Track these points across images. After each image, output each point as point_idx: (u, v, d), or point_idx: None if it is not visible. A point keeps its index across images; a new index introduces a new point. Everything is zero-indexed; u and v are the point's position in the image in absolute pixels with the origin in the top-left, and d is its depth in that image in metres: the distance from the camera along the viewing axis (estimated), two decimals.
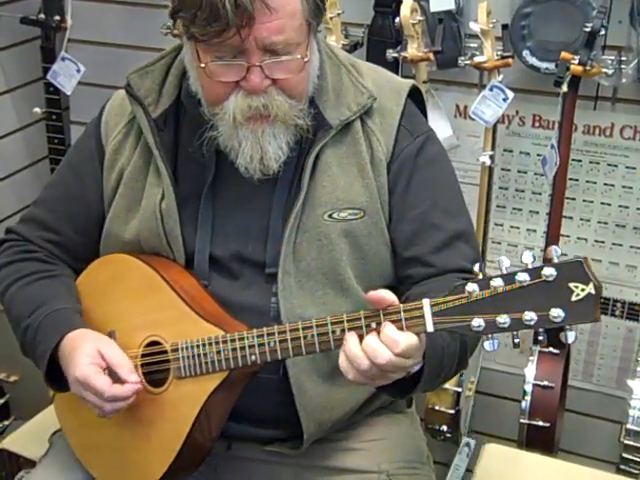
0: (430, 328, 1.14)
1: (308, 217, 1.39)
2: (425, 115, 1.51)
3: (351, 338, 1.18)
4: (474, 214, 1.67)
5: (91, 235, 1.51)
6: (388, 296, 1.17)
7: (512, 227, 2.26)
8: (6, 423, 2.34)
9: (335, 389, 1.41)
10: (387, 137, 1.40)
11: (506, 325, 1.08)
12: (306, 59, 1.30)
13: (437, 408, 2.07)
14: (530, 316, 1.07)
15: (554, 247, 1.05)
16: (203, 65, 1.29)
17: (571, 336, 1.08)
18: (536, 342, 1.11)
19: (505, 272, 1.09)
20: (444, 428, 2.09)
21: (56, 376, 1.40)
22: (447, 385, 2.02)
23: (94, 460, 1.48)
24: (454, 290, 1.12)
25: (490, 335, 1.11)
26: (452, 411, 2.07)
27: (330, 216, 1.39)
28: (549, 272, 1.06)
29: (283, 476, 1.48)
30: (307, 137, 1.37)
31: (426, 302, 1.14)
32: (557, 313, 1.06)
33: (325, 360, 1.39)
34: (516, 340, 1.08)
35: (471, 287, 1.10)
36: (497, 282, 1.08)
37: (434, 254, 1.40)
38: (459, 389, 2.05)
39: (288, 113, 1.32)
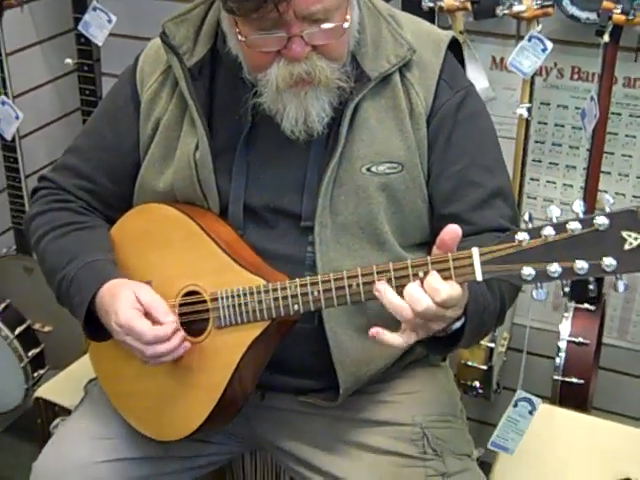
0: (479, 277, 1.13)
1: (345, 170, 1.38)
2: (464, 68, 1.49)
3: (386, 290, 1.17)
4: (510, 168, 1.64)
5: (125, 184, 1.51)
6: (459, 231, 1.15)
7: (548, 182, 2.23)
8: (41, 372, 2.37)
9: (371, 344, 1.35)
10: (427, 91, 1.39)
11: (557, 274, 1.08)
12: (346, 25, 1.29)
13: (470, 364, 2.07)
14: (581, 265, 1.06)
15: (606, 196, 1.04)
16: (243, 39, 1.29)
17: (622, 286, 1.07)
18: (571, 297, 1.10)
19: (555, 221, 1.08)
20: (476, 384, 2.09)
21: (94, 326, 1.41)
22: (480, 341, 2.01)
23: (130, 408, 1.50)
24: (504, 239, 1.11)
25: (539, 284, 1.11)
26: (485, 367, 2.06)
27: (368, 169, 1.38)
28: (602, 221, 1.05)
29: (316, 427, 1.50)
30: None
31: (475, 251, 1.13)
32: (609, 262, 1.05)
33: (360, 314, 1.39)
34: (566, 289, 1.07)
35: (521, 236, 1.09)
36: (548, 231, 1.08)
37: (473, 211, 1.39)
38: (492, 345, 2.04)
39: (330, 77, 1.32)
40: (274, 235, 1.42)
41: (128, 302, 1.34)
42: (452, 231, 1.15)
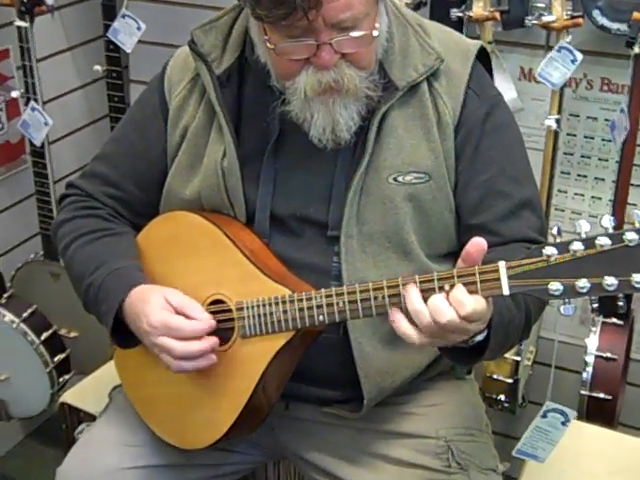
0: (506, 291, 1.12)
1: (372, 180, 1.37)
2: (492, 78, 1.49)
3: (412, 292, 1.17)
4: (537, 180, 1.63)
5: (152, 191, 1.51)
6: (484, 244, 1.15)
7: (576, 194, 2.21)
8: (66, 377, 2.37)
9: (396, 355, 1.41)
10: (454, 100, 1.38)
11: (585, 290, 1.07)
12: (375, 33, 1.29)
13: (495, 377, 2.05)
14: (611, 281, 1.05)
15: (636, 211, 1.03)
16: (271, 46, 1.29)
17: None
18: (599, 312, 1.09)
19: (584, 236, 1.07)
20: (501, 397, 2.07)
21: (121, 333, 1.41)
22: (506, 354, 1.99)
23: (154, 415, 1.50)
24: (531, 253, 1.10)
25: (567, 300, 1.09)
26: (510, 380, 2.05)
27: (395, 179, 1.38)
28: (631, 237, 1.04)
29: (340, 438, 1.49)
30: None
31: (502, 265, 1.12)
32: (639, 279, 1.04)
33: (386, 325, 1.34)
34: (594, 305, 1.06)
35: (549, 250, 1.08)
36: (577, 246, 1.07)
37: (500, 222, 1.38)
38: (518, 358, 2.03)
39: (358, 85, 1.31)
40: (300, 244, 1.42)
41: (159, 304, 1.34)
42: (477, 244, 1.14)
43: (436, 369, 1.51)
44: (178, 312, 1.34)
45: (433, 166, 1.38)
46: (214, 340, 1.34)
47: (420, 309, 1.16)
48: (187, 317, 1.33)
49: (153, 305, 1.34)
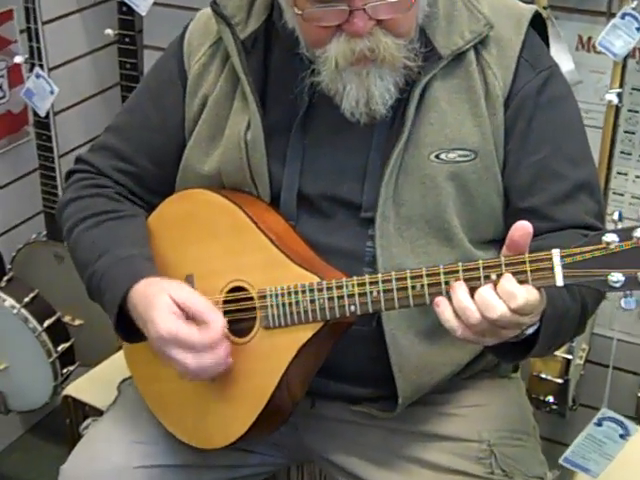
0: (560, 282, 1.12)
1: (412, 157, 1.37)
2: (547, 47, 1.48)
3: (459, 288, 1.17)
4: (595, 160, 1.62)
5: (168, 167, 1.52)
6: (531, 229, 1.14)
7: (638, 177, 2.20)
8: (71, 369, 2.39)
9: (435, 350, 1.41)
10: (505, 71, 1.38)
11: None
12: None
13: (543, 376, 2.04)
14: None
15: None
16: (299, 12, 1.29)
17: None
18: None
19: None
20: (550, 399, 2.06)
21: (127, 325, 1.42)
22: (556, 351, 1.99)
23: (168, 412, 1.51)
24: (588, 241, 1.10)
25: (629, 292, 1.08)
26: (560, 380, 2.04)
27: (437, 157, 1.37)
28: None
29: (371, 439, 1.49)
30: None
31: (556, 252, 1.12)
32: None
33: (423, 317, 1.39)
34: None
35: (610, 237, 1.08)
36: None
37: (554, 206, 1.38)
38: (569, 356, 2.02)
39: (396, 55, 1.31)
40: (330, 227, 1.42)
41: (165, 308, 1.33)
42: (522, 228, 1.14)
43: (478, 366, 1.51)
44: (184, 310, 1.33)
45: (480, 143, 1.37)
46: (227, 346, 1.34)
47: (467, 305, 1.15)
48: (195, 318, 1.33)
49: (159, 309, 1.33)
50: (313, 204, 1.43)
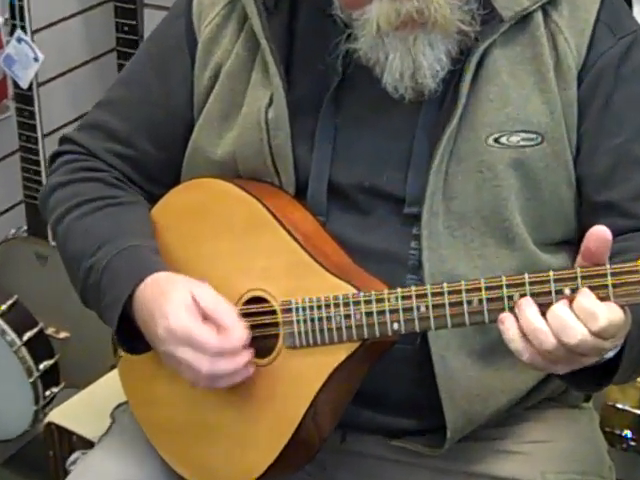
0: None
1: (466, 141, 1.37)
2: (630, 6, 1.49)
3: (528, 306, 1.16)
4: None
5: (173, 150, 1.53)
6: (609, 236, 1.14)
7: None
8: (55, 391, 2.40)
9: (491, 374, 1.41)
10: (579, 36, 1.37)
11: None
12: None
13: (620, 406, 2.04)
14: None
15: None
16: None
17: None
18: None
19: None
20: (627, 433, 2.06)
21: (129, 333, 1.42)
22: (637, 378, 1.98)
23: (171, 445, 1.51)
24: None
25: None
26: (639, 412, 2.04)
27: (497, 140, 1.37)
28: None
29: None
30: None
31: None
32: None
33: (478, 333, 1.39)
34: None
35: None
36: None
37: (637, 201, 1.38)
38: None
39: (449, 18, 1.31)
40: (367, 224, 1.42)
41: (183, 304, 1.34)
42: (598, 235, 1.14)
43: (543, 394, 1.50)
44: (206, 316, 1.34)
45: (548, 124, 1.37)
46: (249, 355, 1.34)
47: (539, 327, 1.15)
48: (217, 325, 1.33)
49: (175, 304, 1.34)
50: (347, 197, 1.43)
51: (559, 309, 1.14)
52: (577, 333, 1.13)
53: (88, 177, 1.55)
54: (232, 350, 1.32)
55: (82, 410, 1.95)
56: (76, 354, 2.44)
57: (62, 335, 2.48)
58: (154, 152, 1.55)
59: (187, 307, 1.34)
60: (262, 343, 1.38)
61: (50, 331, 2.47)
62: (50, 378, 2.40)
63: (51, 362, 2.39)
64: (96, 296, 1.45)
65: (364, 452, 1.51)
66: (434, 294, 1.24)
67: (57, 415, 1.95)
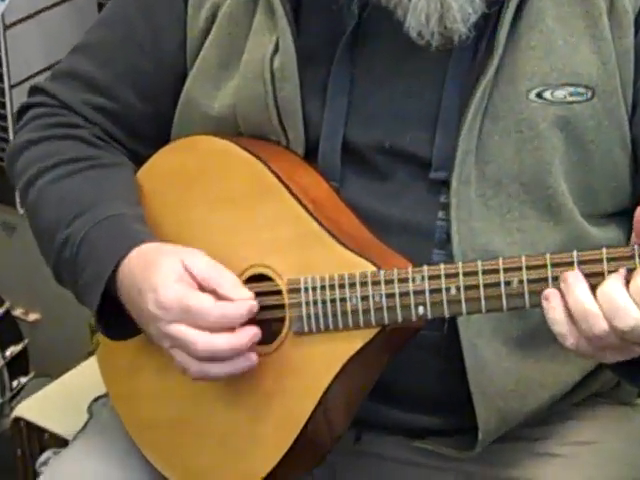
0: None
1: (503, 95, 1.37)
2: None
3: (578, 282, 1.16)
4: None
5: (162, 103, 1.54)
6: None
7: None
8: (23, 381, 2.39)
9: (530, 365, 1.41)
10: None
11: None
12: None
13: None
14: None
15: None
16: None
17: None
18: None
19: None
20: None
21: (111, 316, 1.42)
22: None
23: (158, 445, 1.51)
24: None
25: None
26: None
27: (539, 95, 1.37)
28: None
29: None
30: None
31: None
32: None
33: (515, 318, 1.39)
34: None
35: None
36: None
37: None
38: None
39: None
40: (388, 191, 1.42)
41: (173, 273, 1.34)
42: None
43: (590, 389, 1.51)
44: (202, 287, 1.34)
45: (600, 76, 1.37)
46: (254, 332, 1.33)
47: (590, 309, 1.15)
48: (216, 295, 1.33)
49: (165, 274, 1.34)
50: (364, 159, 1.43)
51: (613, 288, 1.14)
52: (631, 317, 1.12)
53: (63, 134, 1.55)
54: (237, 319, 1.32)
55: (55, 403, 1.96)
56: (48, 339, 2.45)
57: (32, 317, 2.50)
58: (140, 105, 1.55)
59: (179, 277, 1.33)
60: (265, 328, 1.37)
61: (18, 312, 2.48)
62: (18, 366, 2.39)
63: (19, 348, 2.38)
64: (72, 273, 1.45)
65: (381, 454, 1.52)
66: (467, 273, 1.23)
67: (26, 409, 1.95)
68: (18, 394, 2.37)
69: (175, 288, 1.33)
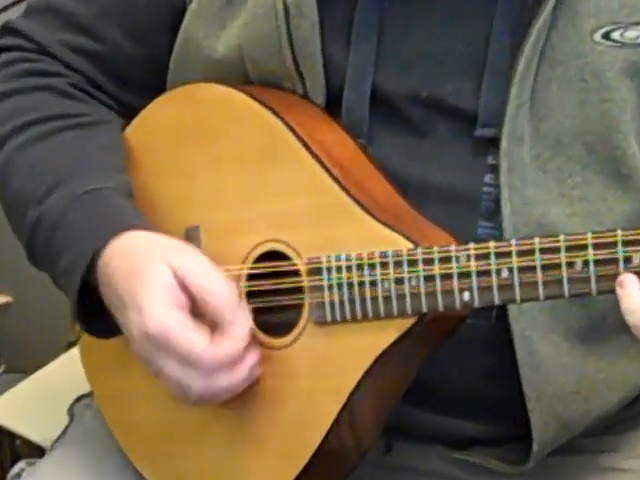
0: None
1: (563, 36, 1.37)
2: None
3: None
4: None
5: (156, 45, 1.55)
6: None
7: None
8: None
9: (595, 362, 1.42)
10: None
11: None
12: None
13: None
14: None
15: None
16: None
17: None
18: None
19: None
20: None
21: (91, 308, 1.41)
22: None
23: (151, 454, 1.52)
24: None
25: None
26: None
27: (606, 36, 1.36)
28: None
29: None
30: None
31: None
32: None
33: (577, 306, 1.39)
34: None
35: None
36: None
37: None
38: None
39: None
40: (425, 151, 1.42)
41: (162, 290, 1.32)
42: None
43: None
44: (190, 295, 1.33)
45: None
46: (253, 356, 1.34)
47: None
48: (205, 312, 1.33)
49: (152, 291, 1.32)
50: (397, 112, 1.43)
51: None
52: None
53: (38, 85, 1.56)
54: (233, 358, 1.32)
55: (29, 404, 1.97)
56: (21, 327, 2.44)
57: (1, 300, 2.50)
58: (129, 47, 1.56)
59: (168, 295, 1.32)
60: (279, 316, 1.39)
61: None
62: None
63: None
64: (47, 258, 1.45)
65: (416, 467, 1.52)
66: (521, 252, 1.22)
67: None
68: None
69: (164, 315, 1.31)
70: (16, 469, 1.75)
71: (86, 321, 1.43)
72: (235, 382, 1.33)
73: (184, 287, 1.33)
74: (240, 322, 1.32)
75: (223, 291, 1.34)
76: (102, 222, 1.40)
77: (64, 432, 1.64)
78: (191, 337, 1.31)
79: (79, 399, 1.67)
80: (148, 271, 1.33)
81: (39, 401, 1.94)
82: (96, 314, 1.41)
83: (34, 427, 1.89)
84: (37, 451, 1.83)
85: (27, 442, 1.90)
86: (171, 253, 1.35)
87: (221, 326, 1.32)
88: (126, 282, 1.34)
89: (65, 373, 1.93)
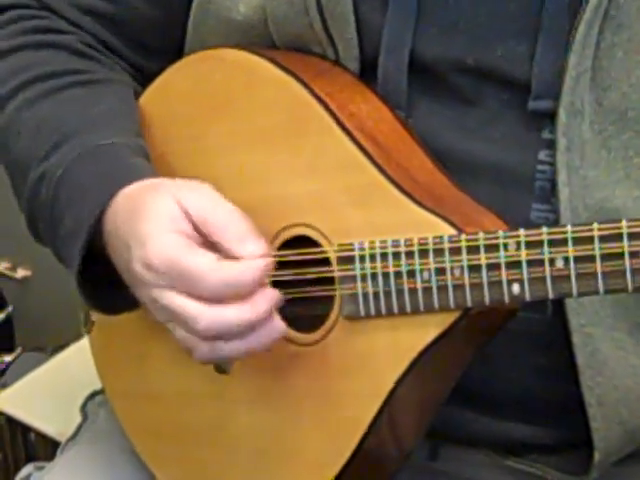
0: None
1: None
2: None
3: None
4: None
5: (173, 6, 1.54)
6: None
7: None
8: (7, 360, 2.43)
9: None
10: None
11: None
12: None
13: None
14: None
15: None
16: None
17: None
18: None
19: None
20: None
21: (101, 282, 1.39)
22: None
23: (170, 458, 1.52)
24: None
25: None
26: None
27: None
28: None
29: None
30: None
31: None
32: None
33: None
34: None
35: None
36: None
37: None
38: None
39: None
40: (471, 124, 1.40)
41: (166, 220, 1.28)
42: None
43: None
44: (200, 230, 1.29)
45: None
46: (271, 295, 1.27)
47: None
48: (218, 245, 1.28)
49: (155, 220, 1.29)
50: (439, 80, 1.41)
51: None
52: None
53: (46, 41, 1.55)
54: (240, 285, 1.26)
55: (46, 393, 1.96)
56: (40, 302, 2.41)
57: (21, 273, 2.50)
58: (143, 7, 1.55)
59: (173, 223, 1.29)
60: (307, 310, 1.38)
61: (2, 267, 2.48)
62: (1, 341, 2.39)
63: (1, 317, 2.36)
64: (49, 221, 1.43)
65: (464, 474, 1.51)
66: (578, 240, 1.19)
67: (8, 400, 1.96)
68: (1, 376, 2.40)
69: (166, 242, 1.28)
70: (23, 473, 1.73)
71: (92, 293, 1.40)
72: (246, 318, 1.26)
73: (188, 215, 1.29)
74: (253, 243, 1.28)
75: (230, 213, 1.31)
76: (112, 175, 1.38)
77: (76, 433, 1.65)
78: (196, 256, 1.27)
79: (93, 395, 1.68)
80: (151, 203, 1.31)
81: (54, 390, 1.92)
82: (104, 289, 1.39)
83: (50, 419, 1.87)
84: (51, 447, 1.80)
85: (40, 434, 1.87)
86: (178, 186, 1.33)
87: (229, 249, 1.28)
88: (130, 220, 1.32)
89: (84, 358, 1.89)
